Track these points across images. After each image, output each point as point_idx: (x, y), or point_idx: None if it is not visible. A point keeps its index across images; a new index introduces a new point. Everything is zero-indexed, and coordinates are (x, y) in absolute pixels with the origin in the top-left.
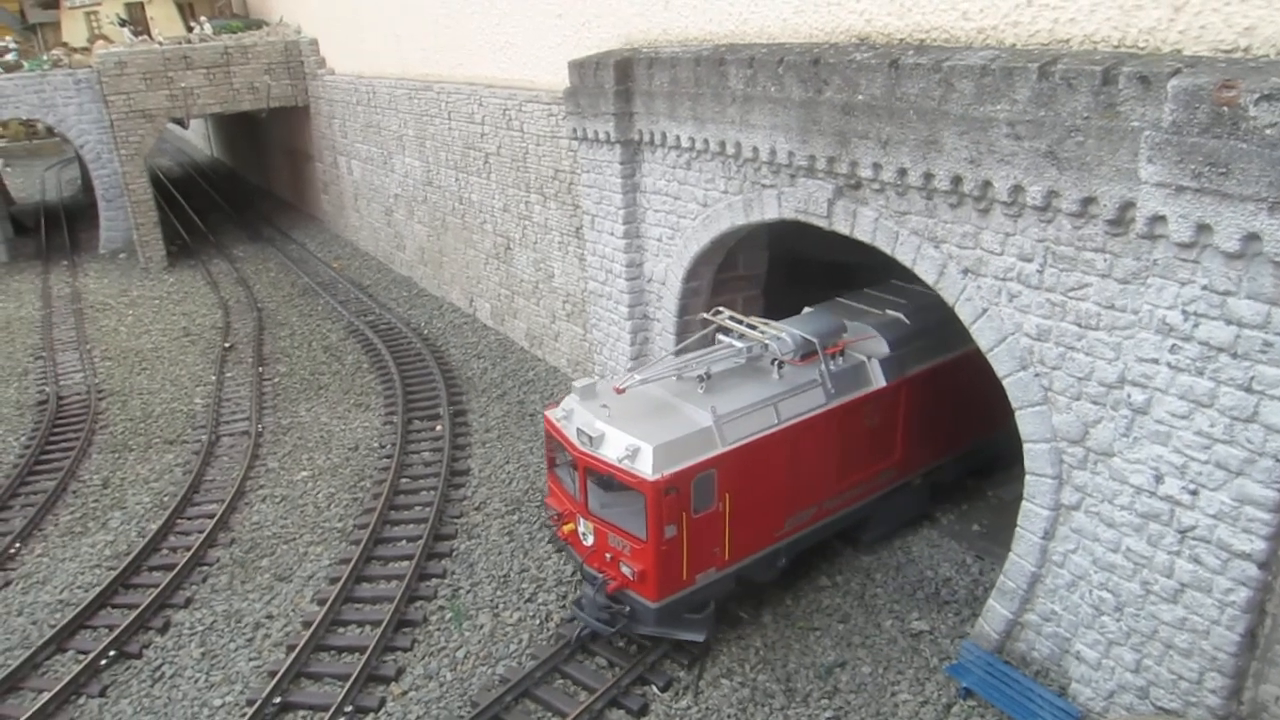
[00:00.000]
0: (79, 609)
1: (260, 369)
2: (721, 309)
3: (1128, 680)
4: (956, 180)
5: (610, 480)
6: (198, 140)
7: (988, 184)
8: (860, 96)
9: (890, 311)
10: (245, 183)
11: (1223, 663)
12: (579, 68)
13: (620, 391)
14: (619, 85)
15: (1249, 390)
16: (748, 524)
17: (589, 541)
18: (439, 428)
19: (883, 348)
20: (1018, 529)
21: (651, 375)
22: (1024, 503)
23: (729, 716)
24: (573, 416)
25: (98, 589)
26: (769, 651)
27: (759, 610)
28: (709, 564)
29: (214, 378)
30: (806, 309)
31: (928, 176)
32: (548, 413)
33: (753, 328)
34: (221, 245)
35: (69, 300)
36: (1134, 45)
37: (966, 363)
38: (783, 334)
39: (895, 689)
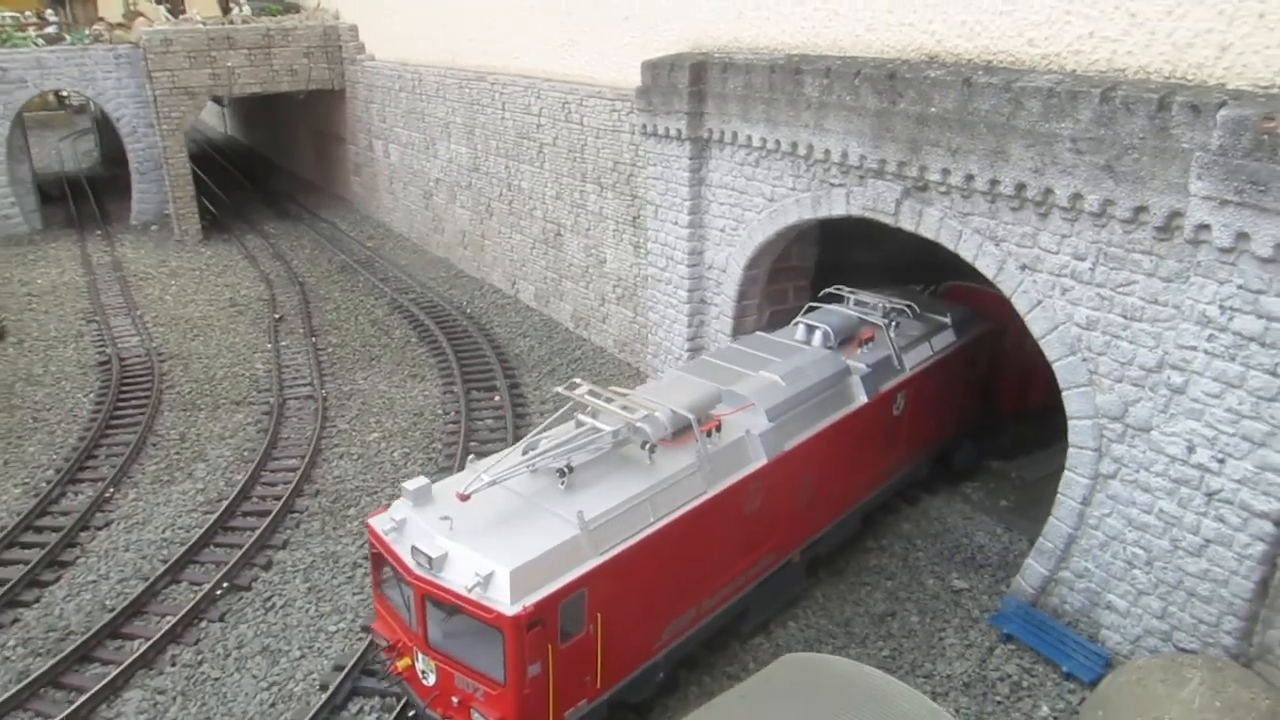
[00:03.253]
0: (186, 546)
1: (313, 339)
2: (578, 382)
3: (1153, 625)
4: (1020, 187)
5: (456, 608)
6: (212, 119)
7: (1049, 191)
8: (933, 109)
9: (765, 374)
10: (264, 161)
11: (1238, 608)
12: (652, 68)
13: (465, 499)
14: (693, 86)
15: (1274, 374)
16: (623, 642)
17: (430, 681)
18: (497, 398)
19: (760, 419)
20: (1059, 496)
21: (502, 473)
22: (1066, 472)
23: (799, 647)
24: (405, 529)
25: (200, 530)
26: (827, 602)
27: (814, 566)
28: (579, 696)
29: (270, 346)
30: (672, 371)
31: (993, 182)
32: (371, 521)
33: (612, 400)
34: (252, 221)
35: (110, 268)
36: (1183, 78)
37: (847, 426)
38: (655, 410)
39: (942, 634)
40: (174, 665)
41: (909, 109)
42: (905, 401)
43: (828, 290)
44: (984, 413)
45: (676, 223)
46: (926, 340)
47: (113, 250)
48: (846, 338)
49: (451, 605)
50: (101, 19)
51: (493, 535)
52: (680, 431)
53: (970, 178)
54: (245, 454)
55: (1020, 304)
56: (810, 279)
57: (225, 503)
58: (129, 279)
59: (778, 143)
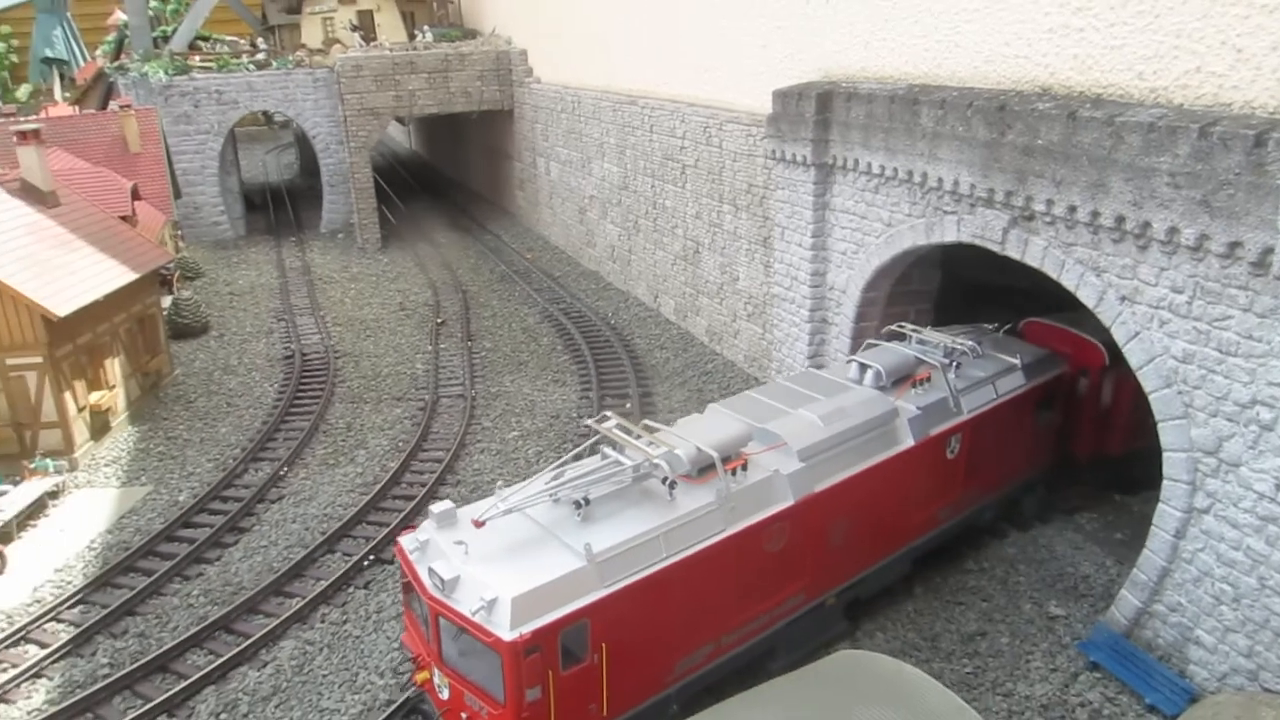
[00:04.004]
0: (342, 522)
1: (469, 343)
2: (609, 415)
3: (1240, 664)
4: (1120, 219)
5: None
6: (398, 134)
7: (1148, 224)
8: (1039, 141)
9: (805, 412)
10: (442, 175)
11: None
12: (782, 97)
13: (479, 525)
14: (818, 115)
15: None
16: (630, 674)
17: (445, 695)
18: (628, 405)
19: (791, 460)
20: (1152, 528)
21: (518, 502)
22: (1160, 505)
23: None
24: (427, 550)
25: (355, 508)
26: (918, 616)
27: (910, 582)
28: None
29: (430, 348)
30: (712, 406)
31: (1095, 214)
32: (401, 540)
33: (637, 436)
34: (425, 231)
35: (300, 272)
36: None
37: (891, 469)
38: (677, 448)
39: (1029, 658)
40: (323, 622)
41: (1016, 140)
42: (961, 445)
43: (890, 328)
44: (1061, 458)
45: (801, 244)
46: (990, 382)
47: (303, 255)
48: (901, 377)
49: (460, 626)
50: (303, 45)
51: (503, 562)
52: (705, 469)
53: (1073, 209)
54: (400, 444)
55: (1119, 335)
56: (932, 302)
57: (379, 486)
58: (315, 282)
59: (895, 170)
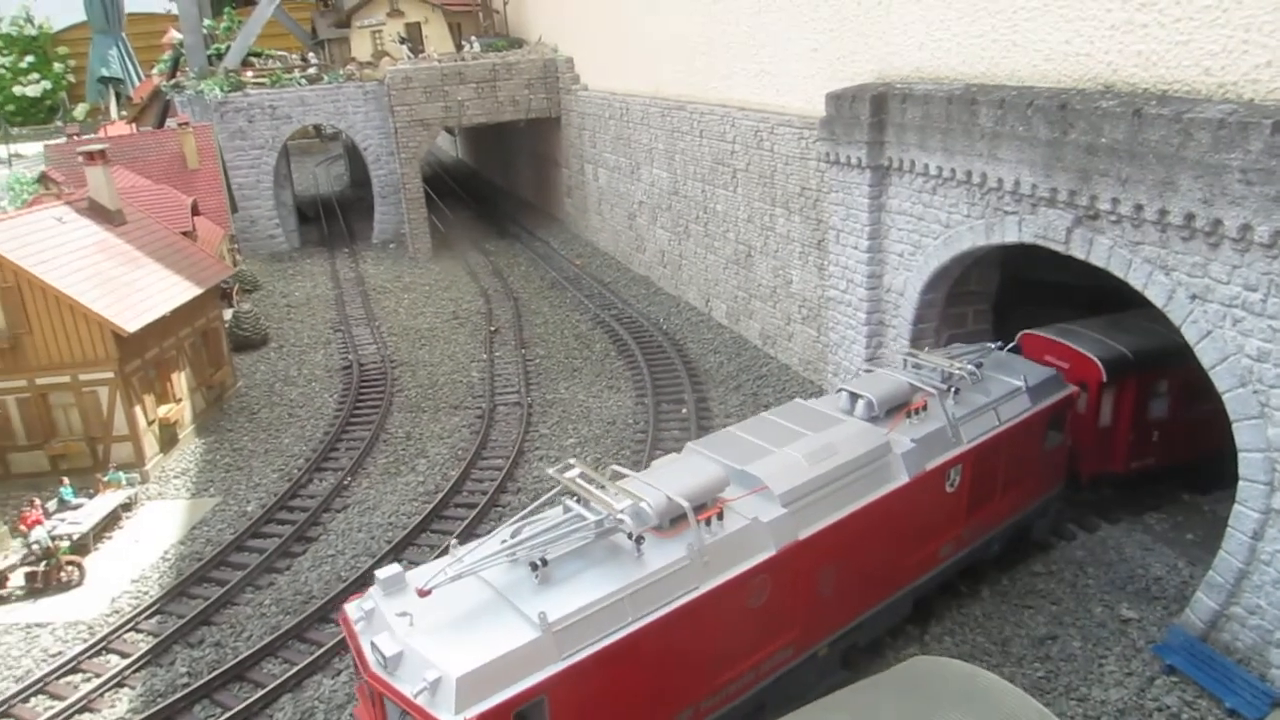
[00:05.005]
0: (406, 530)
1: (523, 351)
2: (572, 463)
3: None
4: (1189, 217)
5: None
6: (444, 142)
7: (1219, 222)
8: (1103, 139)
9: (789, 450)
10: (490, 183)
11: None
12: (836, 99)
13: (424, 594)
14: (873, 117)
15: None
16: None
17: None
18: (684, 410)
19: (772, 505)
20: (1228, 529)
21: (469, 566)
22: (1236, 506)
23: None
24: (372, 620)
25: (419, 517)
26: (986, 620)
27: (978, 585)
28: None
29: (485, 356)
30: (690, 446)
31: (1162, 212)
32: (346, 607)
33: (602, 487)
34: (475, 240)
35: (354, 283)
36: None
37: (884, 507)
38: (645, 498)
39: (1103, 661)
40: None
41: (1079, 139)
42: (962, 477)
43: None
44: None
45: (856, 247)
46: (993, 408)
47: (356, 266)
48: (894, 407)
49: (402, 709)
50: (353, 59)
51: (449, 635)
52: (676, 520)
53: (1139, 207)
54: (459, 452)
55: (1190, 334)
56: (991, 303)
57: (440, 494)
58: (369, 292)
59: (953, 171)
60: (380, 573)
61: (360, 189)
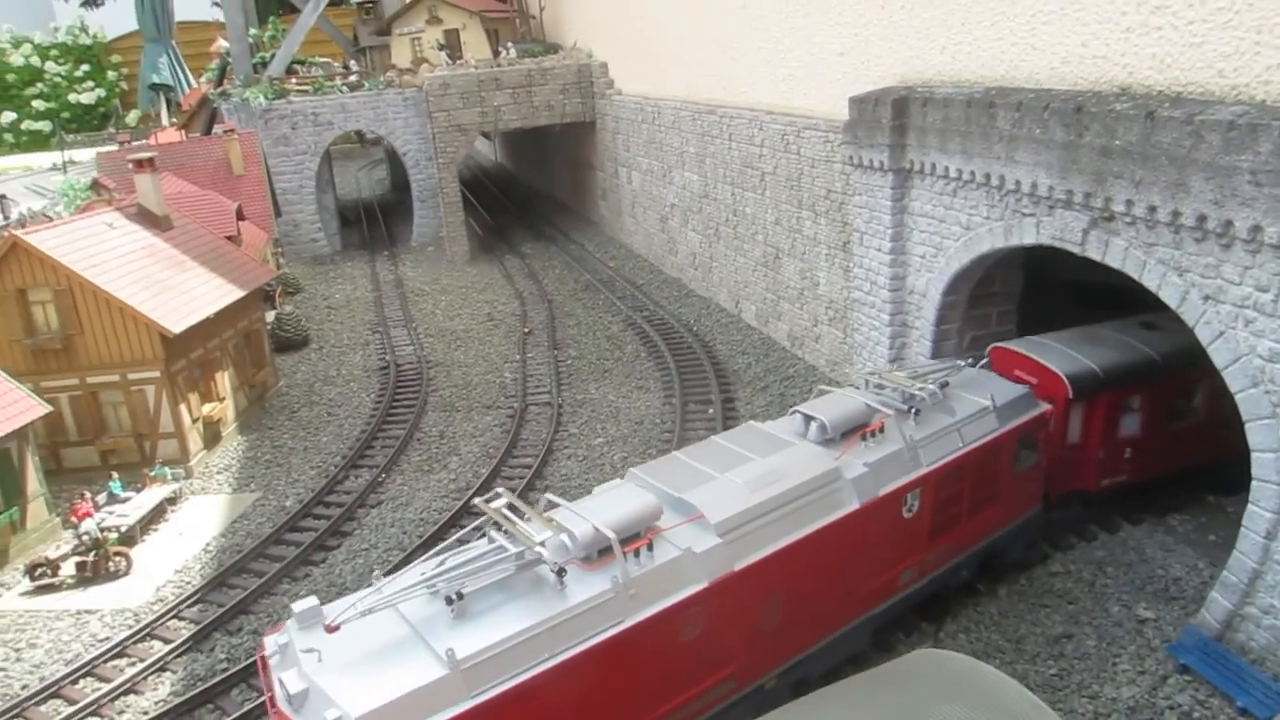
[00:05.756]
0: (437, 525)
1: (555, 352)
2: (500, 492)
3: None
4: (1201, 218)
5: None
6: (484, 146)
7: (1229, 223)
8: (1117, 141)
9: (731, 476)
10: (527, 186)
11: None
12: (858, 103)
13: (332, 630)
14: (895, 120)
15: None
16: None
17: None
18: (711, 411)
19: (707, 536)
20: (1242, 529)
21: (382, 599)
22: (1249, 506)
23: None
24: (285, 655)
25: (449, 513)
26: (1002, 618)
27: (995, 584)
28: None
29: (518, 357)
30: (632, 472)
31: (1175, 214)
32: (264, 639)
33: (528, 519)
34: (512, 243)
35: (393, 285)
36: None
37: (832, 535)
38: (573, 528)
39: (1116, 660)
40: None
41: (1094, 141)
42: (922, 501)
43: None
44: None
45: (880, 249)
46: (956, 430)
47: (396, 269)
48: (849, 429)
49: None
50: (393, 66)
51: (355, 672)
52: (604, 551)
53: (1153, 209)
54: (490, 451)
55: (1203, 335)
56: (1015, 303)
57: (470, 492)
58: (407, 294)
59: (973, 174)
60: (296, 605)
61: (401, 193)
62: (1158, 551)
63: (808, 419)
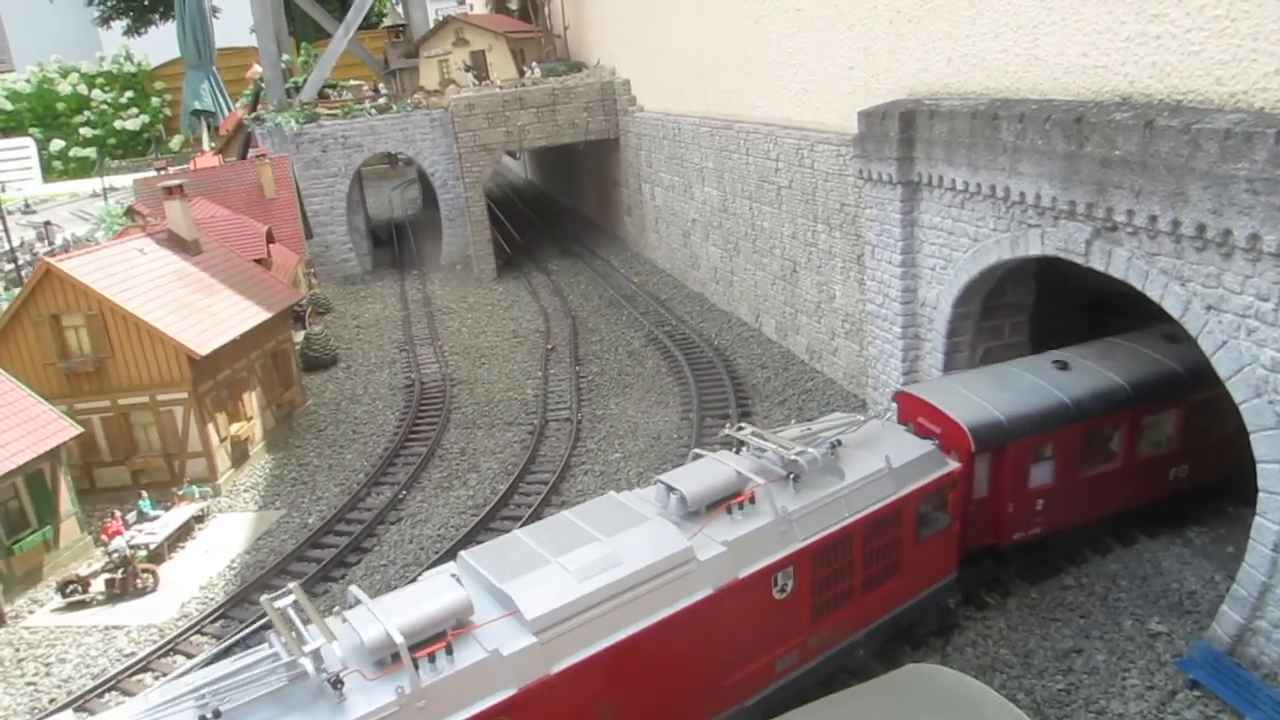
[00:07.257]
0: (453, 542)
1: (577, 368)
2: (291, 588)
3: None
4: (1201, 227)
5: None
6: (514, 164)
7: (1228, 232)
8: (1117, 151)
9: (562, 562)
10: (555, 203)
11: None
12: (867, 117)
13: None
14: (902, 134)
15: None
16: None
17: None
18: (728, 426)
19: (521, 635)
20: (1251, 541)
21: (145, 714)
22: (1257, 518)
23: (970, 673)
24: None
25: (466, 529)
26: (1011, 632)
27: (1005, 598)
28: None
29: (540, 374)
30: (463, 554)
31: (1175, 223)
32: None
33: (308, 623)
34: (538, 260)
35: (421, 304)
36: None
37: (680, 625)
38: (362, 631)
39: (1126, 675)
40: None
41: (1095, 152)
42: (796, 580)
43: (728, 433)
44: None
45: (891, 262)
46: (842, 497)
47: (424, 287)
48: (715, 501)
49: None
50: (421, 87)
51: None
52: (395, 658)
53: (1154, 219)
54: (509, 467)
55: (1206, 345)
56: (1028, 314)
57: (488, 508)
58: (434, 313)
59: (979, 185)
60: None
61: (432, 212)
62: (1173, 564)
63: (669, 489)
